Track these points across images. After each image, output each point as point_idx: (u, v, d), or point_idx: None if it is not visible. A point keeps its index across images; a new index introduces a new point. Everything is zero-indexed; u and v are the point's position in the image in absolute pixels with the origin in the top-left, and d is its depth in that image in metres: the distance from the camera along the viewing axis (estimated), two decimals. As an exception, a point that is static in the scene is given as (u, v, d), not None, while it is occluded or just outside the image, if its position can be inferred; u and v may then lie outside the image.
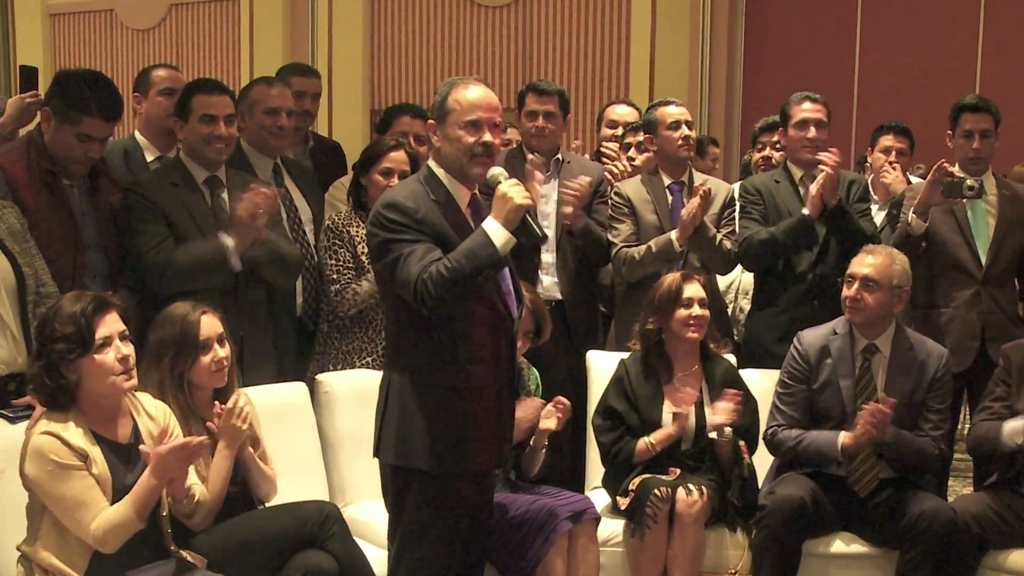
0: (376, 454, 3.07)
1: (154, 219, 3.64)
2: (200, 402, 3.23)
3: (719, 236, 4.28)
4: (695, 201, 4.14)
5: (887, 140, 4.93)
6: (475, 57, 8.50)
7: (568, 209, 4.29)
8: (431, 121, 3.02)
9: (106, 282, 3.60)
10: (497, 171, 2.97)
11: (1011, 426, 3.58)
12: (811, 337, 3.82)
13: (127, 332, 2.92)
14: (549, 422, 3.64)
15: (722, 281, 4.73)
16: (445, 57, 8.60)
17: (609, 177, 4.67)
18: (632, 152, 4.84)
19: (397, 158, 4.07)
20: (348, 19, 8.74)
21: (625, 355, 3.97)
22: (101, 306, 2.87)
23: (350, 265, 4.02)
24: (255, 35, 9.10)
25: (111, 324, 2.88)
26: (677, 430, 3.74)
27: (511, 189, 2.87)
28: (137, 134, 4.40)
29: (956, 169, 4.21)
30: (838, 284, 3.92)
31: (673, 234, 4.20)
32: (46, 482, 2.75)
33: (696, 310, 3.84)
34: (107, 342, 2.85)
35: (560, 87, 4.57)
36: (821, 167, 4.11)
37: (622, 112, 5.22)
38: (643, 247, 4.26)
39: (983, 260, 4.18)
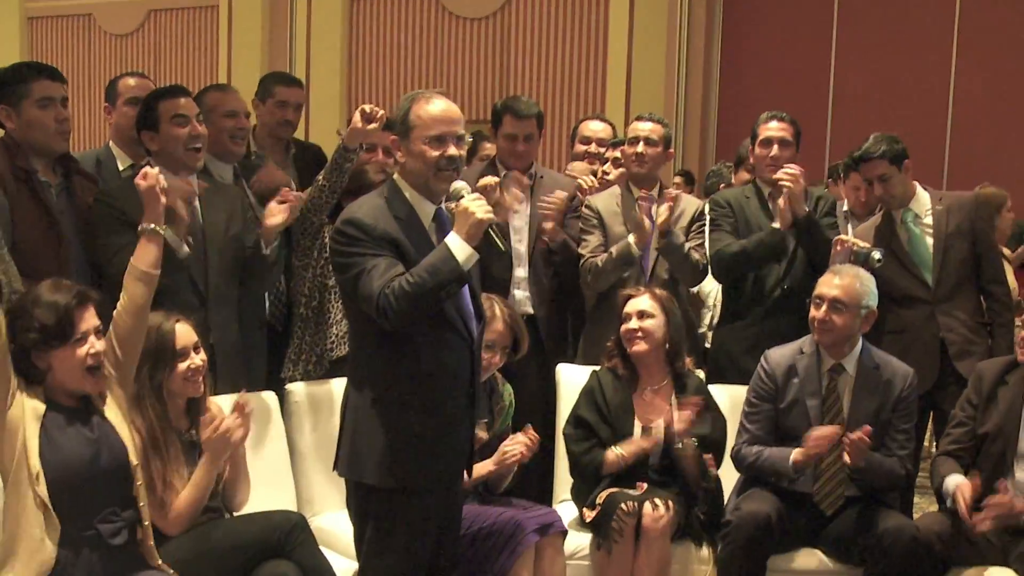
0: (334, 467, 3.08)
1: (121, 228, 3.59)
2: (174, 411, 3.22)
3: (687, 246, 4.32)
4: (664, 206, 4.20)
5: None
6: (452, 68, 8.53)
7: (549, 224, 4.33)
8: (393, 136, 3.02)
9: (86, 278, 3.58)
10: (460, 185, 2.97)
11: (948, 482, 3.59)
12: (778, 356, 3.85)
13: (101, 328, 2.92)
14: (514, 448, 3.64)
15: (704, 290, 4.76)
16: (422, 67, 8.64)
17: (578, 193, 4.70)
18: (608, 167, 4.88)
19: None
20: (326, 27, 8.77)
21: (597, 367, 3.99)
22: (84, 300, 2.88)
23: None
24: (233, 41, 9.10)
25: (89, 319, 2.89)
26: (650, 444, 3.75)
27: (472, 204, 2.87)
28: (112, 144, 4.39)
29: (856, 241, 4.12)
30: (806, 300, 3.93)
31: (631, 238, 4.24)
32: None
33: (632, 323, 3.86)
34: (84, 337, 2.85)
35: (538, 109, 4.56)
36: (780, 184, 4.15)
37: (595, 128, 5.24)
38: (605, 255, 4.31)
39: (929, 283, 4.19)
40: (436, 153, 2.91)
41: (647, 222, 4.21)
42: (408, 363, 2.91)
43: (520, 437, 3.66)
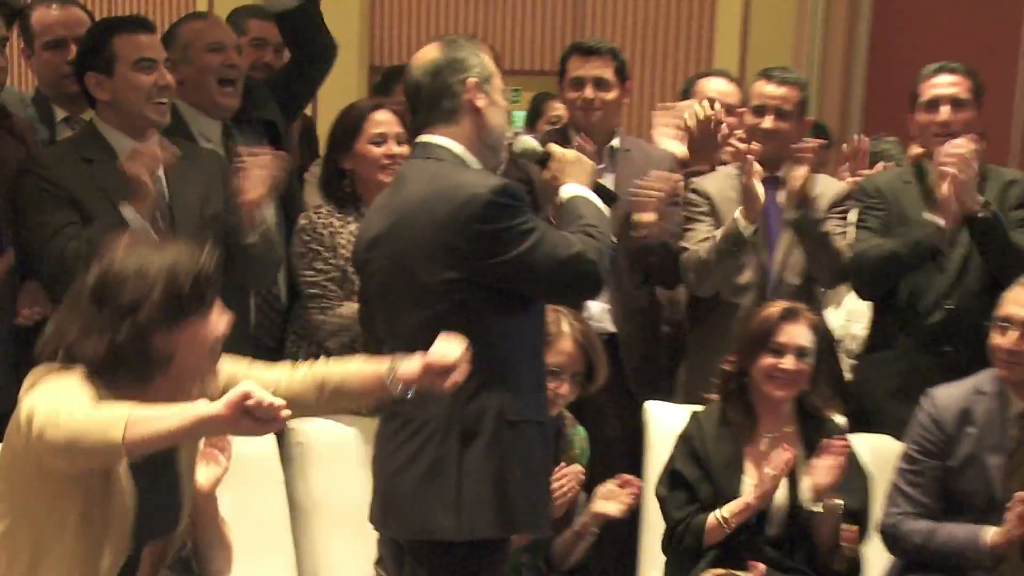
0: (382, 526, 3.19)
1: (56, 205, 3.63)
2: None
3: (829, 228, 4.29)
4: (802, 168, 4.21)
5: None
6: (510, 8, 8.51)
7: (648, 216, 4.27)
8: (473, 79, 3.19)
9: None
10: (529, 138, 3.34)
11: None
12: (947, 397, 3.78)
13: None
14: (609, 506, 3.65)
15: (843, 310, 4.74)
16: (473, 3, 8.61)
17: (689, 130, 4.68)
18: (734, 140, 4.67)
19: (385, 119, 4.09)
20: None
21: (700, 408, 3.95)
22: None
23: (333, 276, 4.01)
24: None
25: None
26: (757, 497, 3.69)
27: (568, 150, 3.33)
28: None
29: None
30: (984, 325, 3.84)
31: (738, 211, 4.20)
32: None
33: (788, 362, 3.79)
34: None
35: (613, 45, 4.56)
36: (942, 168, 4.04)
37: (720, 88, 5.00)
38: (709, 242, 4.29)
39: None
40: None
41: (759, 188, 4.15)
42: (537, 371, 3.22)
43: (575, 468, 3.69)
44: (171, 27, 4.34)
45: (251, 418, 2.29)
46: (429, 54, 3.23)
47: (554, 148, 3.33)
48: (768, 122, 4.34)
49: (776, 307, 3.91)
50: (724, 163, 4.66)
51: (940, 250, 4.17)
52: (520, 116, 6.78)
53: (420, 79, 3.20)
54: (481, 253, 3.02)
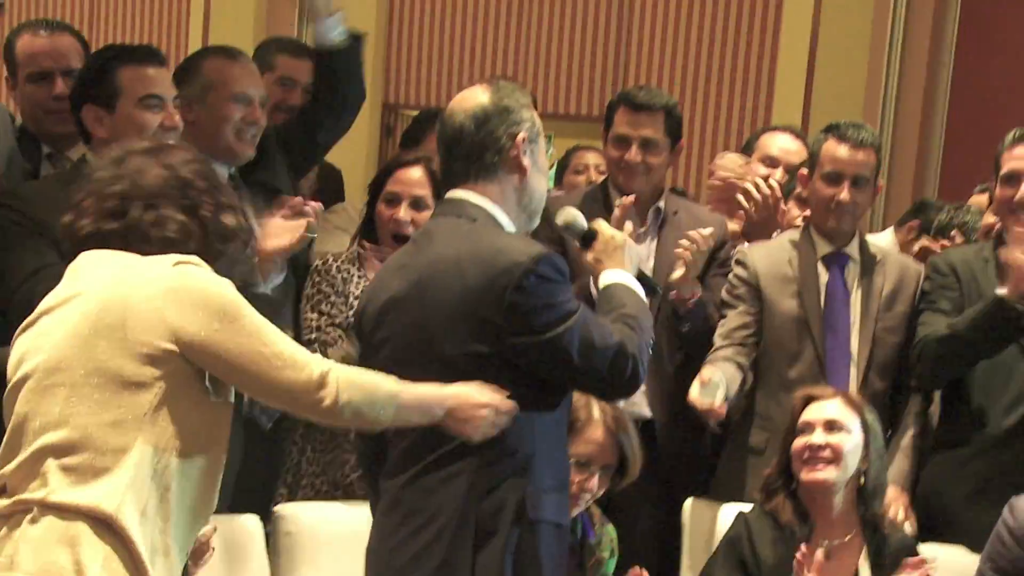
0: None
1: (35, 245, 3.64)
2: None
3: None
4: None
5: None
6: (546, 48, 8.51)
7: (679, 271, 4.25)
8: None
9: None
10: (575, 211, 3.38)
11: None
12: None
13: None
14: None
15: None
16: (499, 38, 8.64)
17: (735, 228, 4.67)
18: (791, 206, 4.75)
19: (409, 179, 4.17)
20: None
21: (747, 507, 3.97)
22: None
23: (338, 323, 4.07)
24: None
25: None
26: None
27: (616, 231, 3.36)
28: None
29: None
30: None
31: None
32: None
33: (817, 437, 3.83)
34: None
35: (669, 98, 4.57)
36: (1012, 244, 4.04)
37: (785, 146, 5.02)
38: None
39: None
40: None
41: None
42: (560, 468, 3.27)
43: None
44: (193, 58, 4.34)
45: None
46: (476, 98, 3.21)
47: (602, 227, 3.34)
48: (845, 193, 4.28)
49: (803, 391, 3.98)
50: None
51: (1009, 329, 4.10)
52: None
53: (464, 124, 3.18)
54: (515, 328, 3.02)
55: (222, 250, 2.89)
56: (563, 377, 3.14)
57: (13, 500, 2.68)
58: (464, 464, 3.06)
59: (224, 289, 2.76)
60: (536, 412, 3.10)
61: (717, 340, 4.34)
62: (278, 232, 3.79)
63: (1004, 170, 4.26)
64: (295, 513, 3.99)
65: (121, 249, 2.81)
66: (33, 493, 2.66)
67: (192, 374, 2.74)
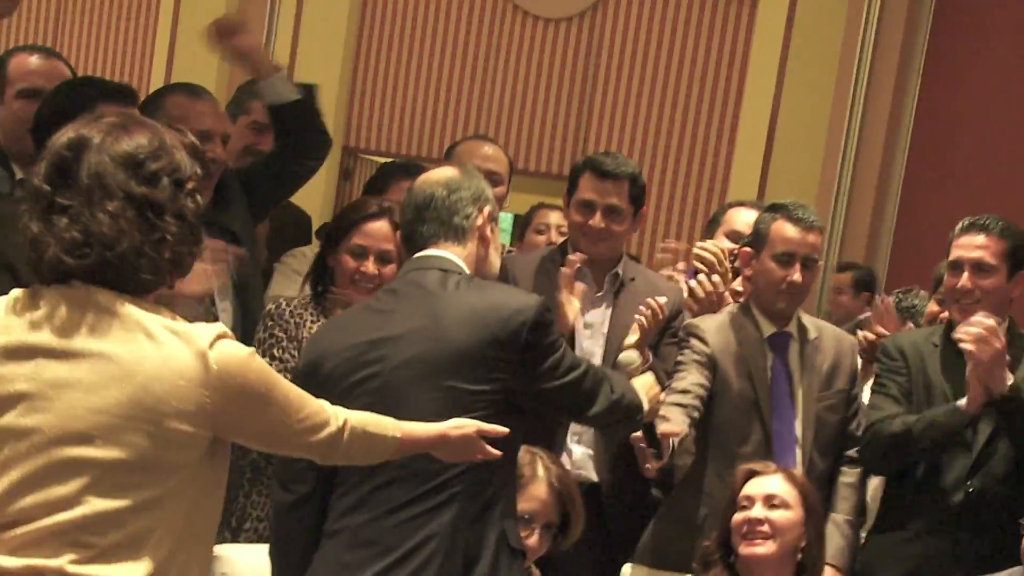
0: None
1: None
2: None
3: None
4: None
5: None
6: (511, 94, 8.52)
7: (632, 337, 4.22)
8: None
9: None
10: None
11: None
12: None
13: None
14: None
15: None
16: (463, 90, 8.65)
17: (690, 302, 4.68)
18: (739, 282, 4.72)
19: (376, 232, 4.14)
20: (326, 17, 8.81)
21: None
22: None
23: (289, 368, 4.03)
24: (179, 25, 9.15)
25: None
26: None
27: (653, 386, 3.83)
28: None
29: None
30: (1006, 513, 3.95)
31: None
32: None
33: (756, 511, 3.85)
34: None
35: (634, 167, 4.56)
36: (961, 346, 4.05)
37: (751, 221, 4.83)
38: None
39: None
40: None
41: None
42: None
43: None
44: (156, 94, 4.37)
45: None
46: (446, 171, 3.46)
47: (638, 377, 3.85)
48: (797, 274, 4.25)
49: (745, 466, 4.00)
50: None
51: (959, 434, 4.15)
52: (506, 219, 6.78)
53: (436, 190, 3.37)
54: (530, 362, 3.27)
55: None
56: (569, 403, 3.48)
57: (25, 565, 2.58)
58: (449, 495, 3.18)
59: (260, 365, 2.73)
60: (513, 445, 3.22)
61: (671, 395, 4.20)
62: (199, 277, 3.78)
63: (950, 258, 4.28)
64: (231, 555, 3.92)
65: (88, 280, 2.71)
66: (48, 560, 2.56)
67: (213, 441, 2.70)
